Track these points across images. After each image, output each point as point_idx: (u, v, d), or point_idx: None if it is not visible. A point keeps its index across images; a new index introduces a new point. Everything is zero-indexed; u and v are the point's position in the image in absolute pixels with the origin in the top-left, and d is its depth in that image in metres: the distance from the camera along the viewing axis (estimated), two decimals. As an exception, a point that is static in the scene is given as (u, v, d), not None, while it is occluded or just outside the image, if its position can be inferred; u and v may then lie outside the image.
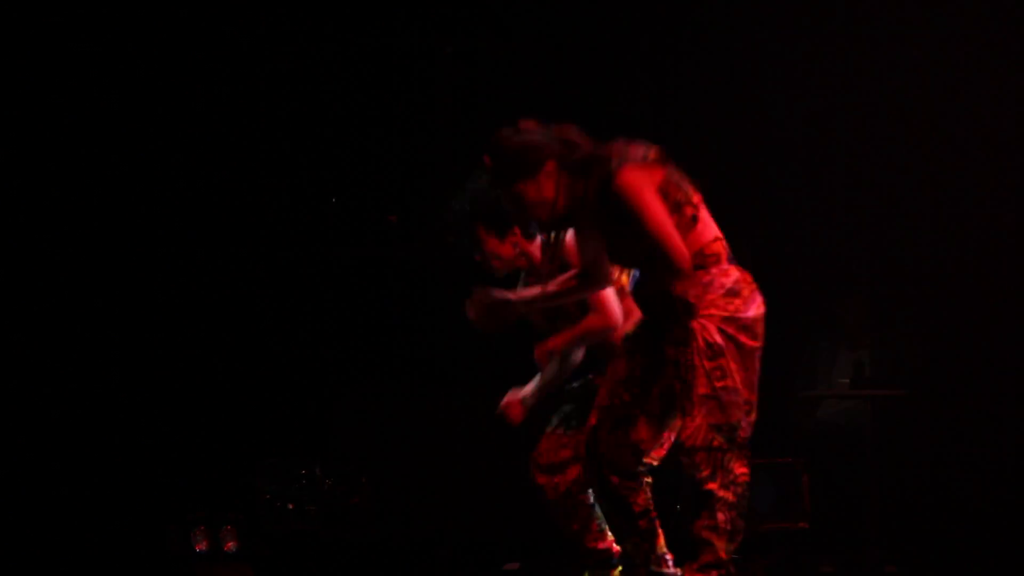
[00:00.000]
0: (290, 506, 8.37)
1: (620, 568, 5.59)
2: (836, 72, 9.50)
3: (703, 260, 4.69)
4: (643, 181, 4.62)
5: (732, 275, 4.71)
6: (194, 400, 8.78)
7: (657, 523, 4.93)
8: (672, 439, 4.89)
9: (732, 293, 4.67)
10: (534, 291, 4.88)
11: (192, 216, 8.96)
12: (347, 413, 8.80)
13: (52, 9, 8.70)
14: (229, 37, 9.03)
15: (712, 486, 4.59)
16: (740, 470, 4.61)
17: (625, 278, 5.54)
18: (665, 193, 4.66)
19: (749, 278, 4.76)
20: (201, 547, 8.09)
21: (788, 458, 9.02)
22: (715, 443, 4.57)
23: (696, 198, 4.75)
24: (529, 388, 5.80)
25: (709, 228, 4.76)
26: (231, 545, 8.13)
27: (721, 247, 4.74)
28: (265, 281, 9.05)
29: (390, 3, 9.36)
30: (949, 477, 9.13)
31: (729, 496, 4.59)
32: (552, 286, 4.84)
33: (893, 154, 9.35)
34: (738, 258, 4.87)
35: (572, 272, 4.93)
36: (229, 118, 9.01)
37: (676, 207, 4.68)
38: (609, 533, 5.64)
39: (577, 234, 4.86)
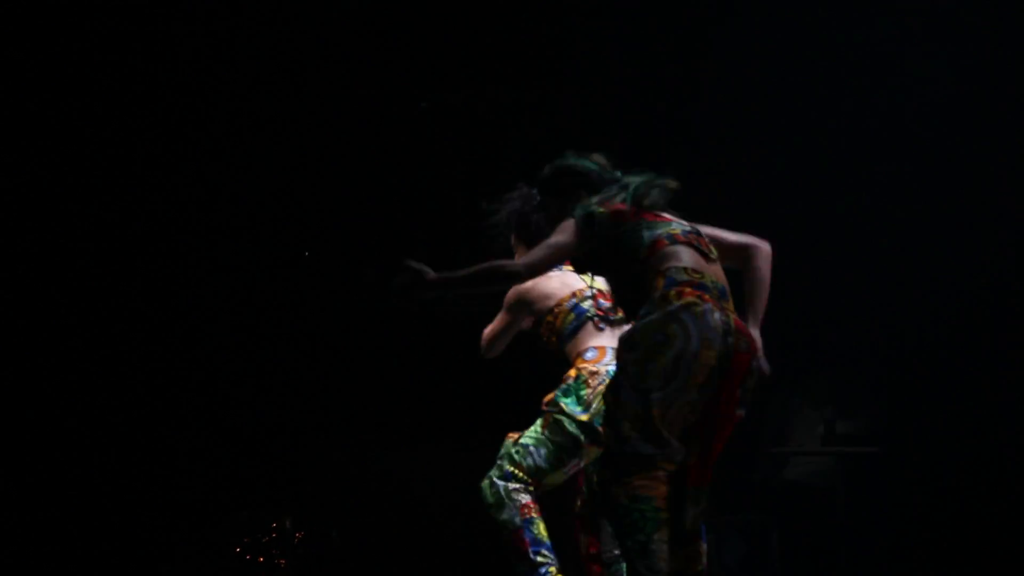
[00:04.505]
0: (260, 559, 8.34)
1: None
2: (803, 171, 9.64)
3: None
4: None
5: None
6: (165, 451, 8.76)
7: None
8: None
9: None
10: (455, 273, 4.78)
11: (167, 276, 8.96)
12: (318, 465, 8.79)
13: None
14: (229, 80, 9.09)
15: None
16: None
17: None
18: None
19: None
20: (170, 599, 8.07)
21: (758, 515, 9.04)
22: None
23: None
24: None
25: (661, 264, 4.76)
26: (200, 597, 8.12)
27: (660, 280, 4.72)
28: (233, 331, 9.04)
29: (368, 59, 9.41)
30: (918, 534, 9.15)
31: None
32: (472, 269, 4.76)
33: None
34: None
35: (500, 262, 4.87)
36: (207, 181, 9.04)
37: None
38: None
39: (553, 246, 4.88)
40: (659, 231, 4.80)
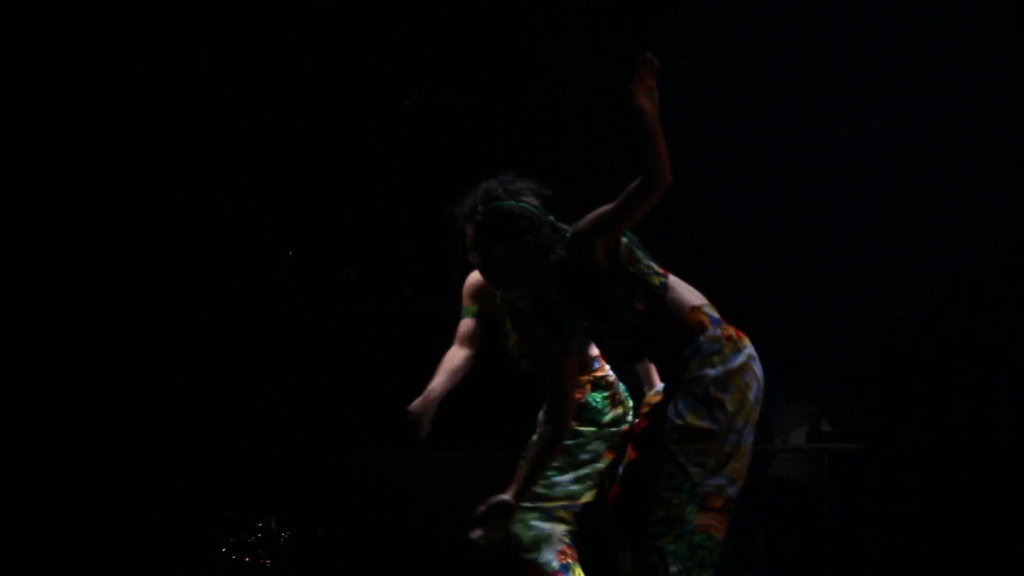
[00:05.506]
0: (246, 559, 8.33)
1: None
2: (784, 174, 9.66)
3: (688, 334, 4.73)
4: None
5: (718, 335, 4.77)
6: (150, 451, 8.74)
7: None
8: None
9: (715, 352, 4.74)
10: (520, 478, 4.96)
11: (149, 278, 8.94)
12: (304, 465, 8.78)
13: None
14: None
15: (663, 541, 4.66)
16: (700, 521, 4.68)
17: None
18: (628, 263, 4.75)
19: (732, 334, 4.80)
20: (156, 600, 8.05)
21: (743, 512, 9.04)
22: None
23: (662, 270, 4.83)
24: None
25: (684, 297, 4.80)
26: (186, 598, 8.10)
27: (701, 316, 4.77)
28: (219, 331, 9.02)
29: (351, 56, 9.40)
30: (903, 530, 9.17)
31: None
32: (533, 455, 4.97)
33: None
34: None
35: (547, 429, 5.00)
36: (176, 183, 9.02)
37: (638, 279, 4.75)
38: None
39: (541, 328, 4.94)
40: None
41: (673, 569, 4.65)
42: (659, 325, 4.74)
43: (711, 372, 4.67)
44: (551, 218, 4.90)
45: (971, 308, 9.14)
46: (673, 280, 4.81)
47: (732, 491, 4.73)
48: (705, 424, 4.63)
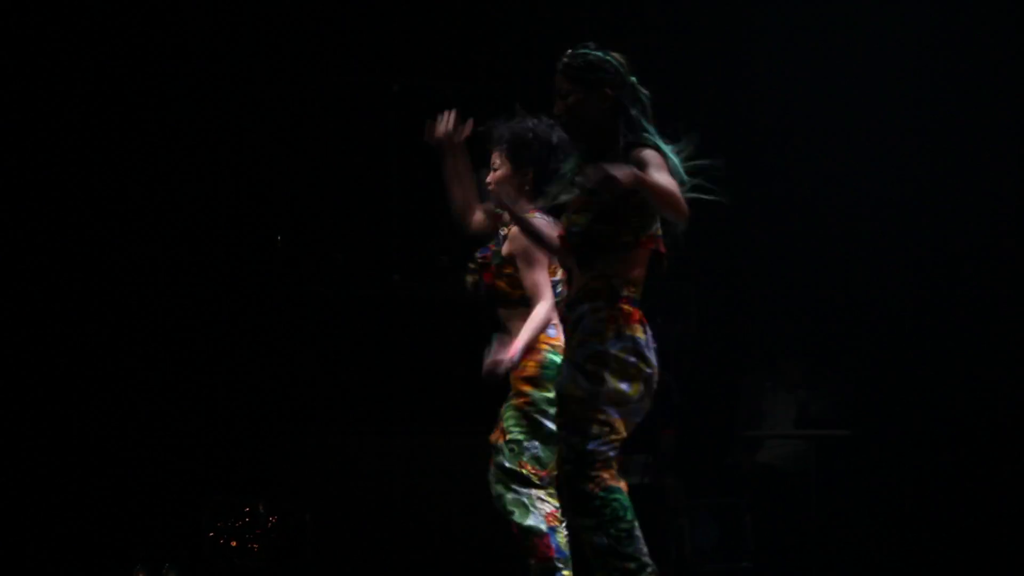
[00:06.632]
0: (233, 543, 8.32)
1: None
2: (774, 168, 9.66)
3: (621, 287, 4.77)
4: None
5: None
6: (137, 435, 8.72)
7: None
8: None
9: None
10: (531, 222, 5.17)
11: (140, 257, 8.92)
12: (292, 450, 8.78)
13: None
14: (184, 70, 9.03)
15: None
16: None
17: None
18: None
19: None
20: (143, 584, 8.03)
21: (731, 498, 9.07)
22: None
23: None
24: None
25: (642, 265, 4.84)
26: (173, 582, 8.08)
27: (634, 290, 4.81)
28: (207, 316, 9.00)
29: (339, 42, 9.38)
30: (889, 516, 9.20)
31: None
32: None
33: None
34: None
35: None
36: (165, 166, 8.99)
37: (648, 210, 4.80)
38: None
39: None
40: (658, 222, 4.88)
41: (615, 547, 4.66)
42: (623, 254, 4.75)
43: (598, 347, 4.69)
44: (633, 79, 4.88)
45: (960, 296, 9.16)
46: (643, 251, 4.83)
47: (611, 449, 4.69)
48: (576, 397, 4.67)
